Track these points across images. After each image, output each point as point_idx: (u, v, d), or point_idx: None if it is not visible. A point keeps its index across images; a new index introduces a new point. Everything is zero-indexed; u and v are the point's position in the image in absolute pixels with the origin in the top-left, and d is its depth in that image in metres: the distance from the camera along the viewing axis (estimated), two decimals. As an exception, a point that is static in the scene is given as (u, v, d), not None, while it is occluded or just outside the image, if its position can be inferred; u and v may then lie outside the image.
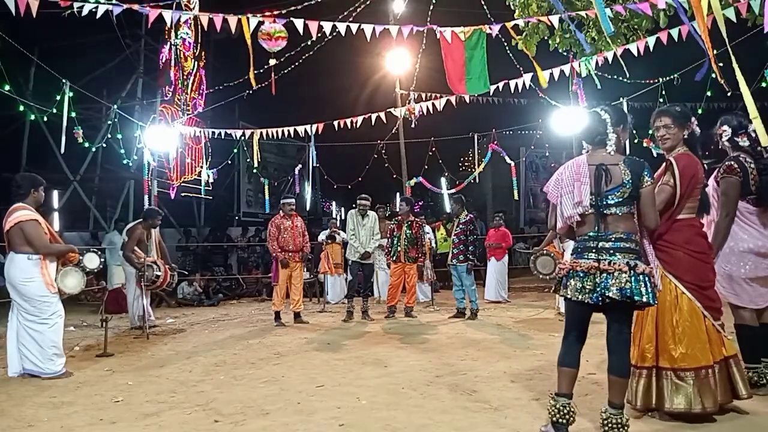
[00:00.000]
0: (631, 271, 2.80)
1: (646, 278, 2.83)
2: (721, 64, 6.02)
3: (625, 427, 2.83)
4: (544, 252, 6.87)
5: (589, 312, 2.95)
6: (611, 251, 2.85)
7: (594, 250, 2.88)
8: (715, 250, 3.56)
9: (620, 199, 2.90)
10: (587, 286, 2.84)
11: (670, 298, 3.21)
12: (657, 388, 3.17)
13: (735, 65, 3.80)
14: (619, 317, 2.93)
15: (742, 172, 3.57)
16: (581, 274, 2.87)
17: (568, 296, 2.90)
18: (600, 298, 2.81)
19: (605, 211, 2.91)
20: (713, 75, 5.48)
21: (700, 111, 9.75)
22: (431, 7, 8.44)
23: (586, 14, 6.32)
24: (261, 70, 7.84)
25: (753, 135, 3.71)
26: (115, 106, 10.31)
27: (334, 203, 17.73)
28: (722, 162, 3.70)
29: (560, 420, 2.87)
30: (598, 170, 2.92)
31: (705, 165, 3.44)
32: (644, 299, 2.78)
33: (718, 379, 3.10)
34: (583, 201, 2.91)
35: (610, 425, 2.83)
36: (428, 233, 10.26)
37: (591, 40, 7.38)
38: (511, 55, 7.72)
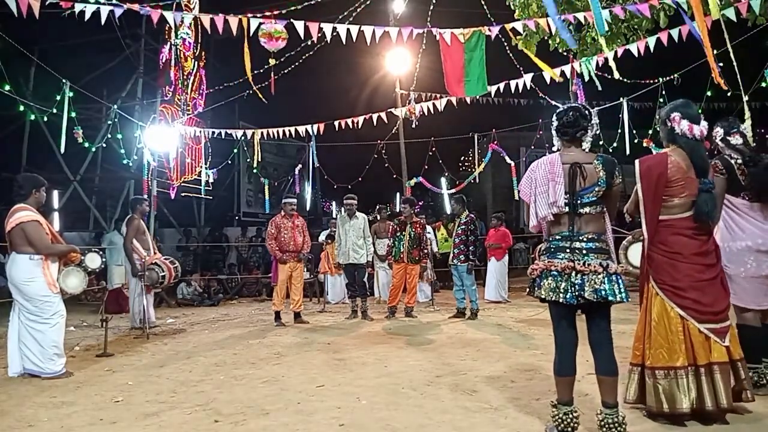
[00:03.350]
0: (605, 272, 2.82)
1: (619, 278, 2.86)
2: (721, 64, 6.03)
3: (623, 426, 2.83)
4: None
5: (571, 312, 2.96)
6: (585, 252, 2.87)
7: (568, 250, 2.89)
8: None
9: (594, 198, 2.91)
10: (562, 286, 2.85)
11: (648, 297, 3.24)
12: (643, 385, 3.21)
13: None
14: (599, 316, 2.95)
15: (726, 169, 3.58)
16: (555, 274, 2.88)
17: (543, 296, 2.91)
18: (575, 299, 2.82)
19: (580, 211, 2.91)
20: (712, 75, 5.50)
21: (700, 111, 9.74)
22: (431, 8, 8.45)
23: (585, 16, 6.33)
24: (261, 70, 7.85)
25: (745, 133, 3.76)
26: (115, 106, 10.31)
27: (334, 203, 17.70)
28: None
29: (566, 429, 2.88)
30: (573, 169, 2.92)
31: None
32: (618, 299, 2.82)
33: (693, 383, 3.04)
34: (558, 201, 2.91)
35: (606, 426, 2.83)
36: (428, 233, 10.27)
37: (591, 40, 7.39)
38: (511, 55, 7.73)
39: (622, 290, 2.84)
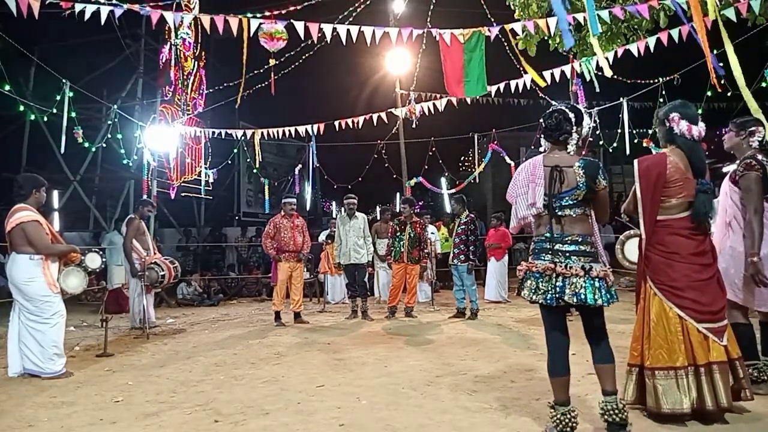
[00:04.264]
0: (586, 275, 2.83)
1: (601, 282, 2.85)
2: (721, 64, 6.02)
3: (623, 412, 2.87)
4: None
5: (559, 312, 2.96)
6: (567, 254, 2.88)
7: (550, 252, 2.90)
8: (756, 248, 3.45)
9: (574, 201, 2.92)
10: (542, 287, 2.87)
11: (646, 297, 3.24)
12: (642, 385, 3.22)
13: (735, 63, 3.80)
14: (592, 314, 2.97)
15: (762, 168, 3.55)
16: (537, 275, 2.90)
17: (525, 297, 2.93)
18: (555, 300, 2.84)
19: (559, 213, 2.92)
20: (723, 72, 5.50)
21: (700, 111, 9.74)
22: (431, 8, 8.45)
23: (585, 17, 6.32)
24: (261, 70, 7.85)
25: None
26: (115, 106, 10.31)
27: (334, 203, 17.72)
28: (740, 161, 3.66)
29: (564, 429, 2.89)
30: (553, 172, 2.93)
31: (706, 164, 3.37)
32: (597, 303, 2.81)
33: (693, 383, 3.06)
34: (537, 202, 2.93)
35: (607, 412, 2.87)
36: (433, 233, 10.26)
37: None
38: (511, 55, 7.74)
39: (603, 294, 2.84)
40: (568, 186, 2.91)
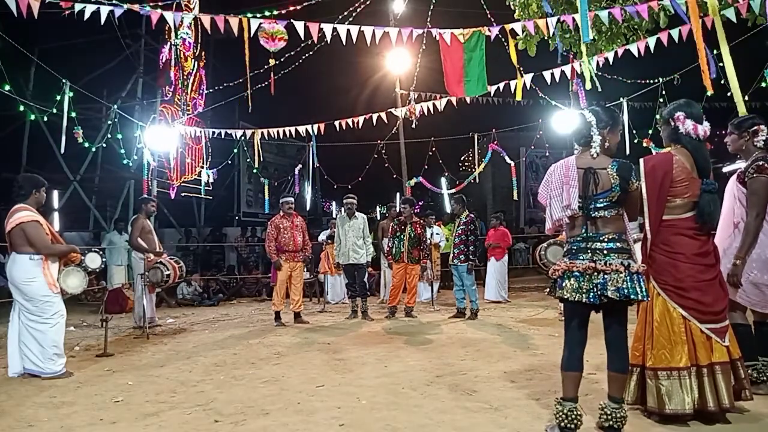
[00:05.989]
0: (626, 271, 2.84)
1: (640, 277, 2.87)
2: (721, 64, 6.02)
3: (624, 420, 2.88)
4: (556, 242, 6.70)
5: (587, 312, 2.97)
6: (605, 252, 2.89)
7: (589, 251, 2.91)
8: (744, 251, 3.48)
9: (608, 203, 2.93)
10: (584, 287, 2.87)
11: (649, 297, 3.23)
12: (643, 385, 3.22)
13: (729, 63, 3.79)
14: (616, 315, 2.98)
15: None
16: (578, 275, 2.90)
17: (566, 296, 2.92)
18: (598, 298, 2.84)
19: (593, 214, 2.94)
20: (713, 75, 5.49)
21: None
22: (431, 8, 8.45)
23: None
24: (261, 70, 7.85)
25: None
26: (115, 106, 10.31)
27: (334, 203, 17.73)
28: (751, 162, 3.61)
29: (568, 425, 2.88)
30: (587, 174, 2.94)
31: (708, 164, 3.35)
32: (639, 297, 2.85)
33: (695, 383, 3.06)
34: (572, 204, 2.94)
35: (607, 418, 2.88)
36: (438, 234, 10.25)
37: (591, 41, 7.37)
38: (511, 55, 7.73)
39: (644, 289, 2.87)
40: (603, 188, 2.93)
